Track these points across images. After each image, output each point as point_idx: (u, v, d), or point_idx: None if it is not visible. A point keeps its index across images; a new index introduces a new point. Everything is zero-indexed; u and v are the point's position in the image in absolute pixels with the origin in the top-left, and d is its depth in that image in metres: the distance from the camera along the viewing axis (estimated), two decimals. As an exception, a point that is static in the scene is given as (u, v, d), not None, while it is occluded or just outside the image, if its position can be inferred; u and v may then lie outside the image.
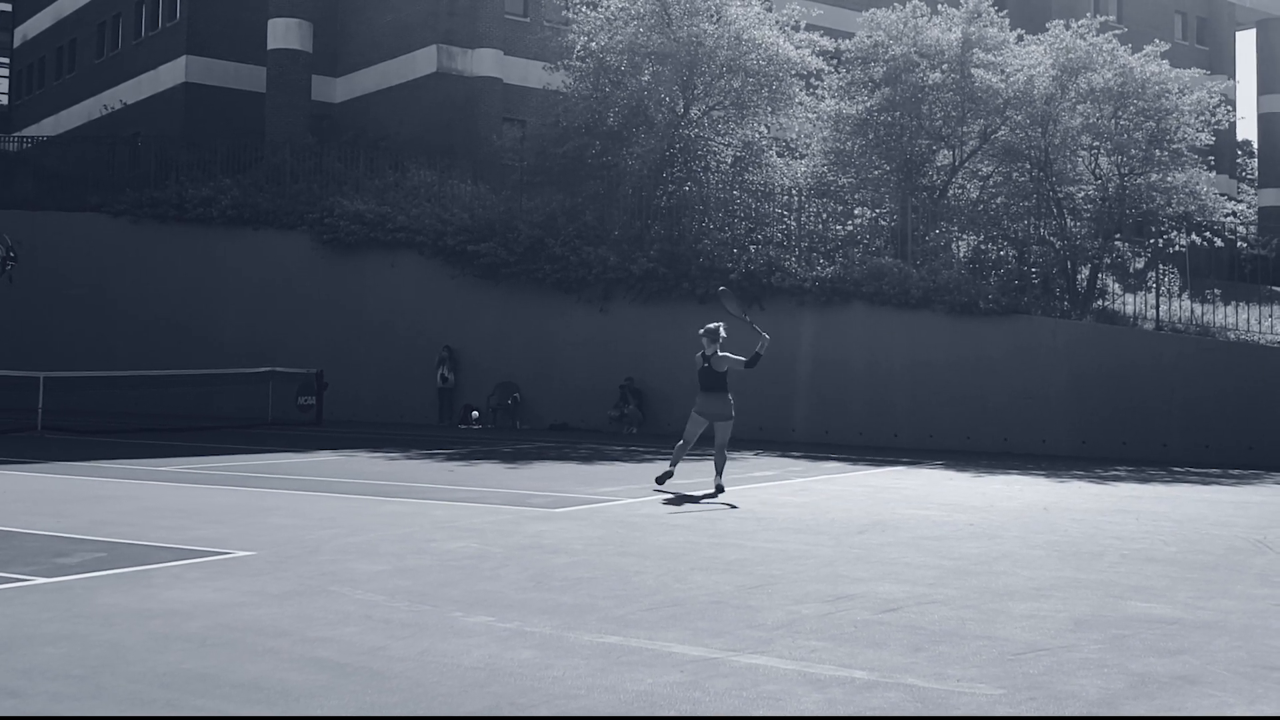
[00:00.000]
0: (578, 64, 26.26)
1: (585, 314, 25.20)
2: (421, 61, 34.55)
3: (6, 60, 52.56)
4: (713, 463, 13.67)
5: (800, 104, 26.20)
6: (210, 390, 27.28)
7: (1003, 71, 24.04)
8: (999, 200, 24.70)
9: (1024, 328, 21.46)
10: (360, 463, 16.29)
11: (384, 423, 26.03)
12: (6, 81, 52.74)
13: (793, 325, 23.37)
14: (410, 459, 17.24)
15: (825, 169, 26.00)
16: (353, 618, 6.41)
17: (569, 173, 26.35)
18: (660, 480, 13.45)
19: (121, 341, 29.22)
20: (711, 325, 13.91)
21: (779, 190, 25.81)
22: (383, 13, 36.11)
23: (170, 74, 37.77)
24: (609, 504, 11.69)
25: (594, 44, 25.90)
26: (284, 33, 34.69)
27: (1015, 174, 24.51)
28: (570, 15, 26.54)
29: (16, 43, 50.65)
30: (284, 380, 26.16)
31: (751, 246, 24.45)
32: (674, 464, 13.75)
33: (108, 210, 30.69)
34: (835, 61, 26.20)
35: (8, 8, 52.48)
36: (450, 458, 17.38)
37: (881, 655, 5.82)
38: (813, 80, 26.22)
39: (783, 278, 23.17)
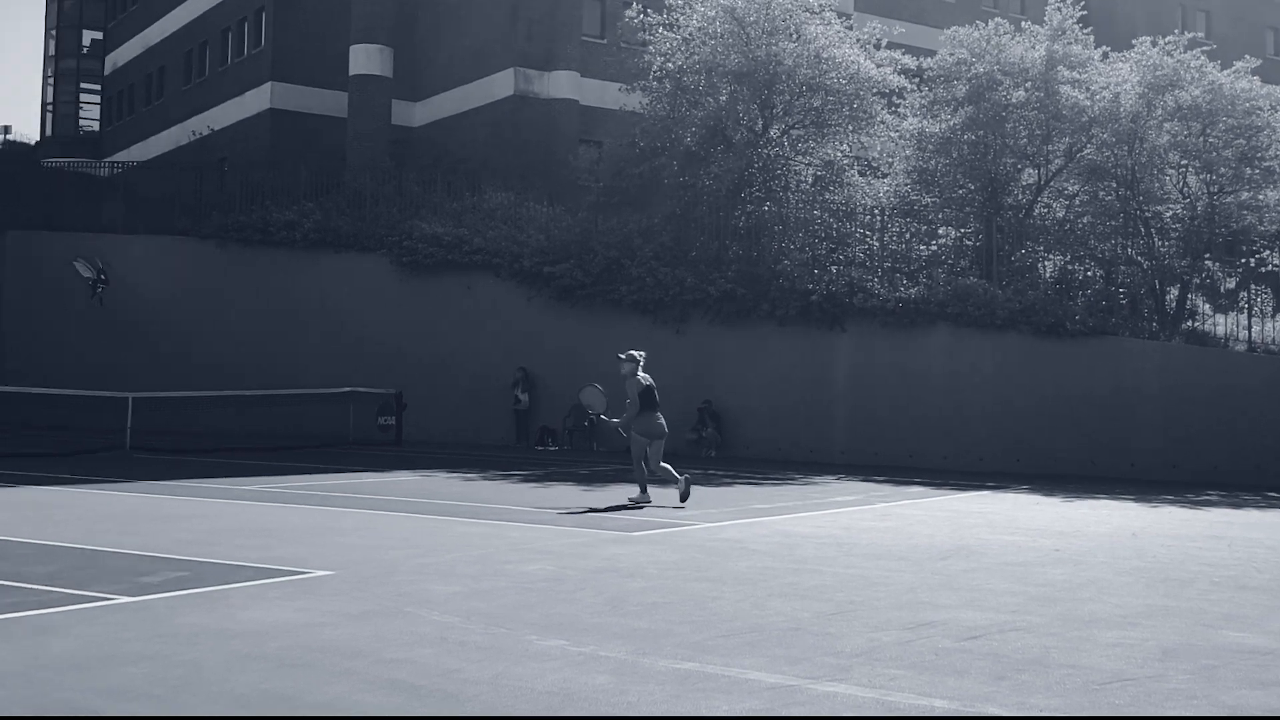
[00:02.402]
0: (655, 84, 26.29)
1: (662, 335, 25.13)
2: (499, 84, 34.84)
3: (98, 87, 53.97)
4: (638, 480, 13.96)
5: (882, 122, 25.97)
6: (293, 410, 27.64)
7: (1088, 89, 23.63)
8: (1085, 220, 24.26)
9: (1112, 349, 21.01)
10: (437, 483, 16.36)
11: (461, 443, 26.16)
12: (98, 108, 54.14)
13: (875, 347, 23.15)
14: (487, 480, 17.28)
15: (908, 188, 25.72)
16: (428, 639, 6.37)
17: (646, 193, 26.36)
18: (638, 505, 13.63)
19: (207, 362, 29.73)
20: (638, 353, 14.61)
21: (861, 210, 25.57)
22: (461, 37, 36.51)
23: (255, 100, 38.47)
24: (686, 528, 11.59)
25: (671, 64, 25.91)
26: (365, 59, 35.21)
27: (1102, 193, 24.04)
28: (647, 36, 26.58)
29: (107, 70, 51.99)
30: (364, 400, 26.44)
31: (833, 267, 24.24)
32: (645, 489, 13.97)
33: (195, 234, 31.26)
34: (917, 79, 25.93)
35: (99, 35, 53.92)
36: (526, 479, 17.39)
37: (963, 684, 5.65)
38: (894, 98, 25.98)
39: (865, 298, 22.94)
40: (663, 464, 14.15)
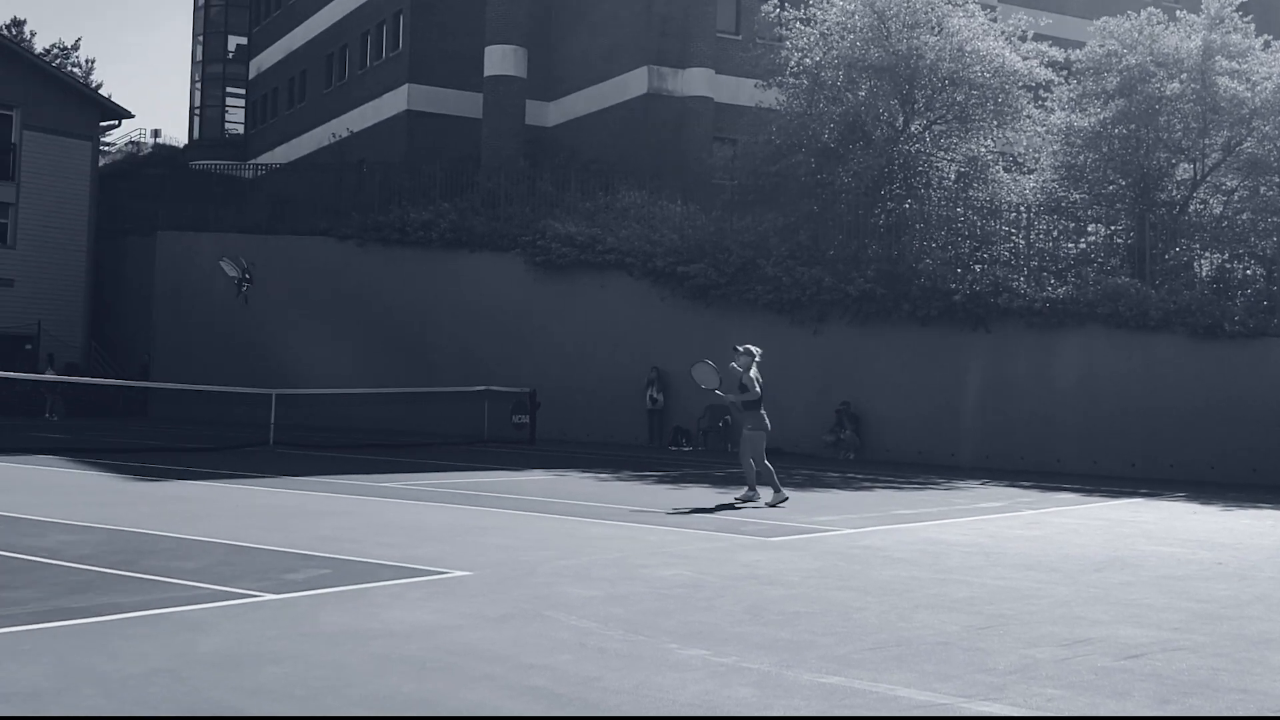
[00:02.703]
0: (791, 80, 25.94)
1: (798, 335, 24.78)
2: (633, 83, 34.81)
3: (243, 91, 55.56)
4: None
5: (1028, 117, 25.25)
6: (429, 407, 28.00)
7: (1248, 80, 22.61)
8: (1245, 216, 23.20)
9: (1274, 351, 20.01)
10: (572, 483, 16.32)
11: (594, 442, 26.18)
12: (243, 111, 55.75)
13: (1020, 348, 22.48)
14: (621, 480, 17.19)
15: (1055, 184, 24.94)
16: (567, 645, 6.24)
17: (781, 191, 26.02)
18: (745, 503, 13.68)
19: (346, 359, 30.29)
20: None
21: (1005, 207, 24.84)
22: (595, 36, 36.59)
23: (393, 102, 39.13)
24: (827, 534, 11.30)
25: (809, 60, 25.54)
26: (500, 59, 35.51)
27: (1263, 188, 22.99)
28: (784, 31, 26.23)
29: (251, 74, 53.50)
30: (499, 399, 26.64)
31: (976, 266, 23.60)
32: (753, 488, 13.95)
33: (335, 234, 31.89)
34: (1065, 72, 25.12)
35: (243, 41, 55.50)
36: (660, 480, 17.25)
37: (1125, 707, 5.31)
38: (1041, 92, 25.22)
39: (1010, 298, 22.28)
40: (766, 462, 14.04)
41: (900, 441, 23.88)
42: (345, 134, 41.49)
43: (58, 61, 65.88)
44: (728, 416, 25.82)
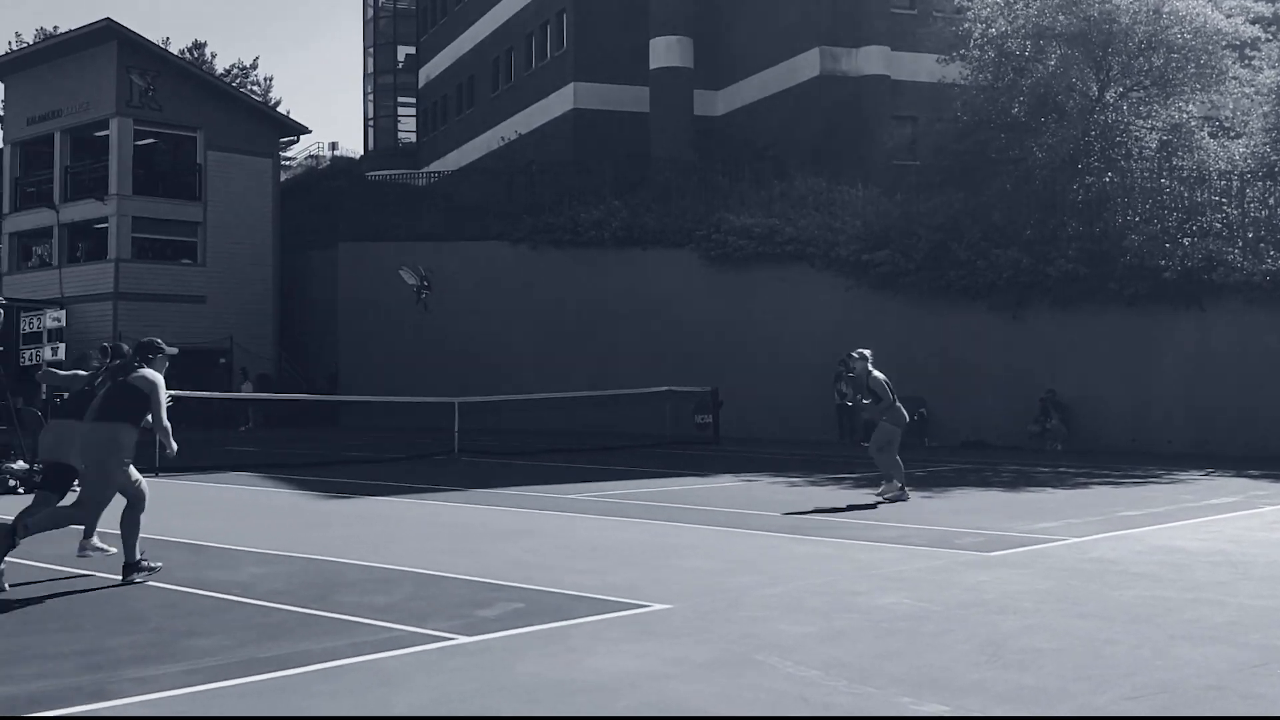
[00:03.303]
0: (975, 53, 24.68)
1: (996, 321, 23.55)
2: (804, 66, 33.84)
3: (413, 100, 56.40)
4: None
5: (1234, 78, 23.47)
6: (611, 409, 27.64)
7: None
8: None
9: None
10: (762, 490, 15.65)
11: (779, 440, 25.39)
12: (414, 120, 56.60)
13: (1241, 326, 20.86)
14: (814, 485, 16.46)
15: (1268, 148, 23.07)
16: (788, 699, 5.58)
17: (970, 170, 24.79)
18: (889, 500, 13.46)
19: (524, 363, 30.22)
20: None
21: (1215, 175, 23.10)
22: (762, 20, 35.68)
23: (559, 101, 38.99)
24: (1051, 544, 10.33)
25: (993, 30, 24.24)
26: (665, 51, 34.98)
27: None
28: (964, 2, 24.96)
29: (421, 83, 54.25)
30: (680, 399, 26.09)
31: (1184, 240, 21.98)
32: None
33: (508, 238, 31.90)
34: (1274, 28, 23.25)
35: (412, 50, 56.34)
36: (857, 483, 16.41)
37: None
38: (1247, 50, 23.40)
39: (1226, 273, 20.67)
40: (896, 456, 13.86)
41: (1110, 430, 22.45)
42: (514, 137, 41.59)
43: (238, 81, 68.18)
44: (923, 410, 24.74)
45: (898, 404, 14.14)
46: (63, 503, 8.88)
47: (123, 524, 8.41)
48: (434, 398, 24.84)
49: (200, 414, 32.76)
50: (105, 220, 36.98)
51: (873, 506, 13.34)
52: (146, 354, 8.75)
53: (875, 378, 14.07)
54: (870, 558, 9.52)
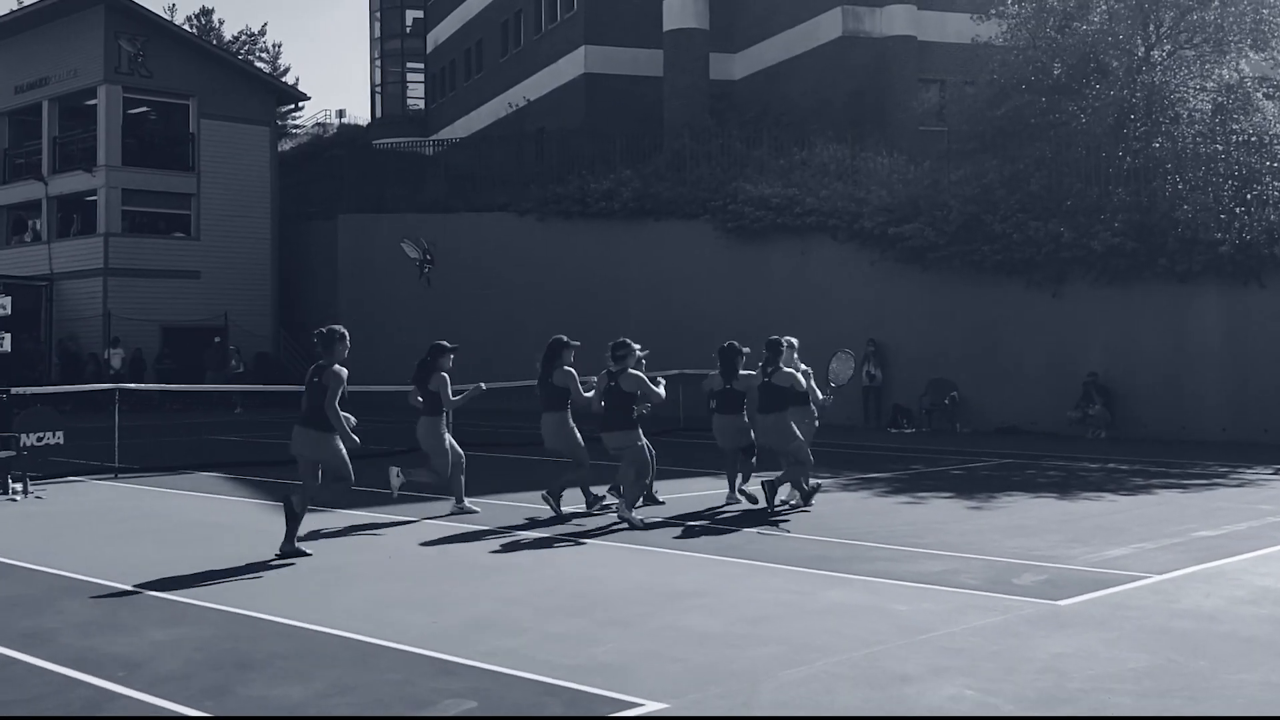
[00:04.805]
0: (1013, 9, 22.76)
1: (1034, 299, 21.80)
2: (825, 26, 31.94)
3: (421, 66, 54.54)
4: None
5: (1293, 33, 21.53)
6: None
7: None
8: None
9: None
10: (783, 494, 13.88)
11: (801, 426, 23.62)
12: (423, 86, 54.75)
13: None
14: (845, 488, 14.80)
15: (1327, 109, 21.20)
16: None
17: (1006, 136, 22.95)
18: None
19: (529, 340, 28.51)
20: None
21: (1273, 140, 21.21)
22: (782, -22, 33.75)
23: (570, 66, 37.19)
24: (1129, 586, 8.57)
25: (1032, -17, 22.32)
26: (680, 11, 33.16)
27: None
28: (999, -45, 23.06)
29: (429, 48, 52.38)
30: (694, 382, 24.28)
31: (1237, 209, 20.13)
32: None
33: (514, 209, 30.37)
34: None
35: (420, 14, 54.40)
36: (890, 488, 14.69)
37: None
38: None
39: (1291, 247, 18.83)
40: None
41: (1158, 417, 20.70)
42: (522, 103, 39.80)
43: (245, 48, 66.48)
44: (954, 394, 23.03)
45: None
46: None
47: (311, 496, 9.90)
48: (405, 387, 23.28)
49: (193, 397, 31.32)
50: (95, 193, 35.45)
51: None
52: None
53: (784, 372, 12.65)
54: (914, 610, 7.80)
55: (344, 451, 9.88)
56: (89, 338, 34.62)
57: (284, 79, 57.26)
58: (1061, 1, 22.39)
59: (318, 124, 61.90)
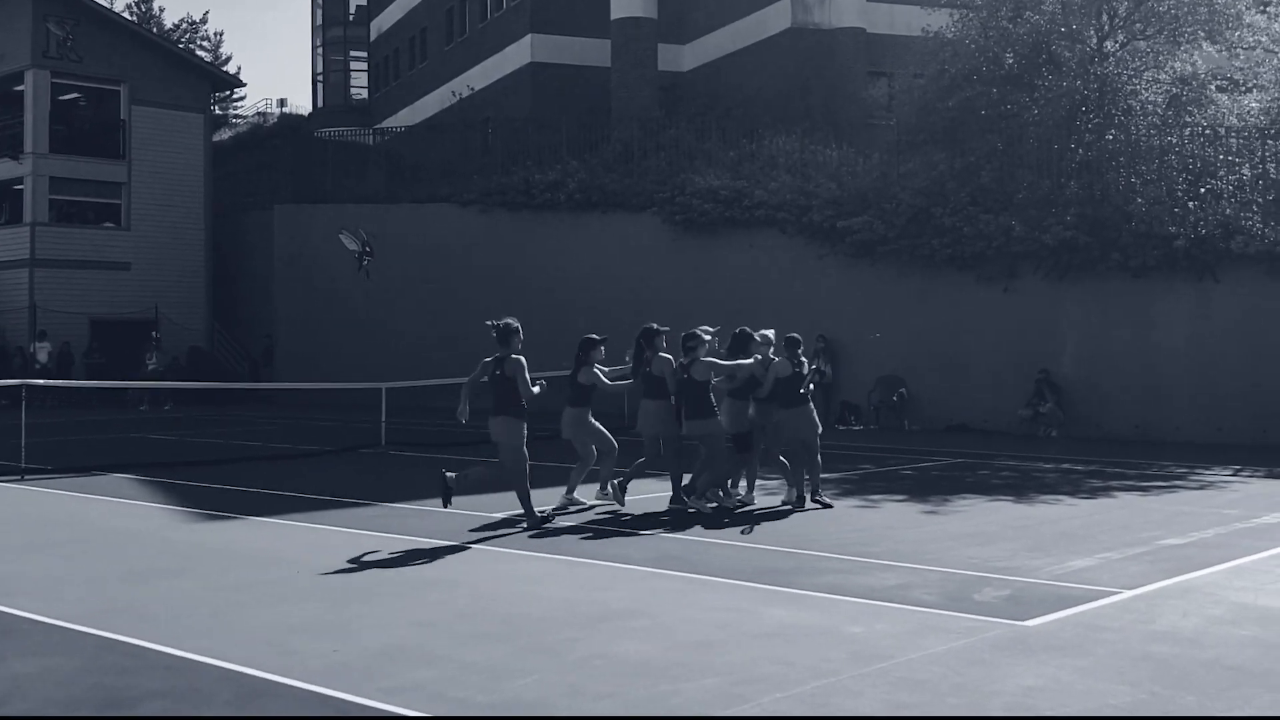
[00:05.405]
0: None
1: (985, 294, 21.36)
2: (774, 17, 31.41)
3: (364, 54, 53.44)
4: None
5: (1248, 26, 21.22)
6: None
7: None
8: None
9: None
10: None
11: (749, 424, 23.04)
12: (366, 75, 53.65)
13: (1262, 298, 18.72)
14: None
15: (1282, 103, 20.92)
16: None
17: (957, 128, 22.46)
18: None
19: (472, 336, 27.74)
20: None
21: (1228, 132, 20.87)
22: (730, -32, 33.17)
23: (516, 55, 36.42)
24: (1099, 603, 7.97)
25: (984, -29, 21.85)
26: (627, 0, 32.49)
27: None
28: (952, -58, 22.58)
29: (373, 36, 51.29)
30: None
31: (1191, 203, 19.77)
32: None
33: (456, 200, 29.62)
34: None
35: (363, 1, 53.28)
36: (843, 488, 14.09)
37: None
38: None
39: (1245, 241, 18.47)
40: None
41: (1112, 415, 20.32)
42: (467, 93, 38.93)
43: (186, 37, 65.05)
44: (902, 390, 22.54)
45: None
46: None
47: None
48: (361, 384, 22.60)
49: (123, 393, 30.29)
50: (21, 181, 34.24)
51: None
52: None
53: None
54: (868, 633, 7.16)
55: (523, 446, 11.04)
56: (15, 331, 33.47)
57: (225, 68, 55.98)
58: (1014, -11, 21.99)
59: (258, 113, 60.63)
